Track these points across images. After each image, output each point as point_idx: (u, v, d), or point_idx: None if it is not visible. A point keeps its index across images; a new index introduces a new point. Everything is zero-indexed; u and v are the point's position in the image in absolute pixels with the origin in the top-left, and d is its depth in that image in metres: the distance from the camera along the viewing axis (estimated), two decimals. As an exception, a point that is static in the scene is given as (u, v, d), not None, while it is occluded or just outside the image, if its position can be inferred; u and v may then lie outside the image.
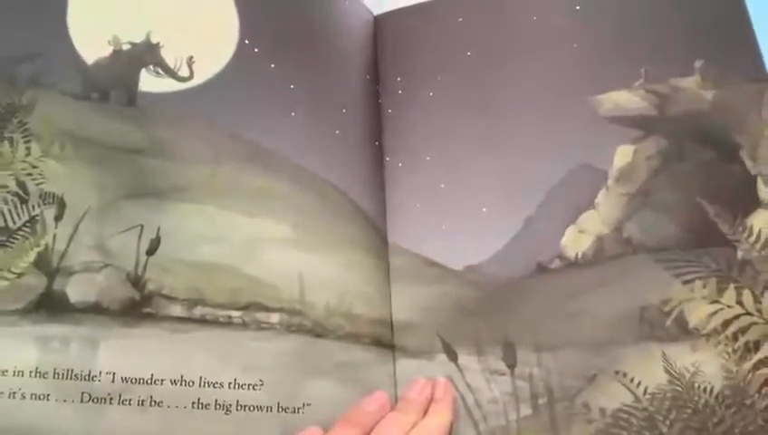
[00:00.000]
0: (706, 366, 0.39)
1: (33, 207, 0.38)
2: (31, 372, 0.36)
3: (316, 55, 0.46)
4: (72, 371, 0.37)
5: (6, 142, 0.39)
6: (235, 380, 0.38)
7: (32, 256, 0.38)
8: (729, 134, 0.43)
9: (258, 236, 0.40)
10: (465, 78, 0.49)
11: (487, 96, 0.48)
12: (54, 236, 0.38)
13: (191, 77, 0.42)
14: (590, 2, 0.48)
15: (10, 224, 0.38)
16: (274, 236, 0.40)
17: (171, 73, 0.41)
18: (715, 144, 0.43)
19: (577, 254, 0.42)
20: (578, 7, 0.48)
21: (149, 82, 0.41)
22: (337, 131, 0.45)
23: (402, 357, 0.41)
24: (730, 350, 0.39)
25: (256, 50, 0.44)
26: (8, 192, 0.38)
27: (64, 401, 0.36)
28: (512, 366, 0.40)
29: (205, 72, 0.42)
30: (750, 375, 0.39)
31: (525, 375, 0.40)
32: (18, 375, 0.36)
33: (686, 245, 0.41)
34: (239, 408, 0.37)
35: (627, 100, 0.45)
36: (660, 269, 0.41)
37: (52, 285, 0.38)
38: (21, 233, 0.38)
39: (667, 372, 0.39)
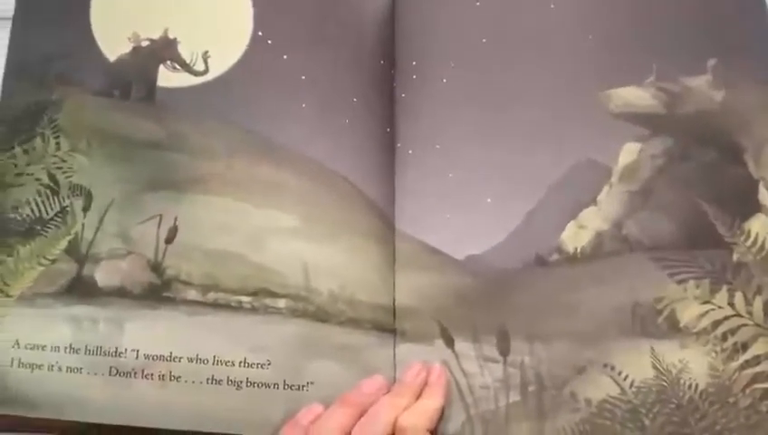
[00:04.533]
0: (693, 364, 0.40)
1: (64, 198, 0.42)
2: (65, 348, 0.41)
3: (329, 44, 0.47)
4: (101, 347, 0.41)
5: (39, 138, 0.42)
6: (245, 359, 0.41)
7: (63, 243, 0.42)
8: (735, 137, 0.43)
9: (267, 226, 0.43)
10: (477, 65, 0.49)
11: (498, 86, 0.48)
12: (83, 226, 0.42)
13: (207, 71, 0.44)
14: None
15: (44, 214, 0.42)
16: (283, 225, 0.43)
17: (187, 68, 0.43)
18: (721, 146, 0.43)
19: (576, 248, 0.43)
20: None
21: (167, 77, 0.44)
22: (347, 120, 0.46)
23: (402, 341, 0.44)
24: (718, 349, 0.40)
25: (270, 42, 0.45)
26: (41, 184, 0.42)
27: (95, 374, 0.41)
28: (505, 354, 0.42)
29: (220, 65, 0.44)
30: (736, 375, 0.40)
31: (517, 363, 0.42)
32: (55, 350, 0.41)
33: (682, 245, 0.42)
34: (248, 384, 0.41)
35: (636, 96, 0.44)
36: (655, 268, 0.42)
37: (82, 271, 0.42)
38: (53, 222, 0.42)
39: (655, 367, 0.40)
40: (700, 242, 0.42)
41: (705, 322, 0.41)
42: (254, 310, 0.42)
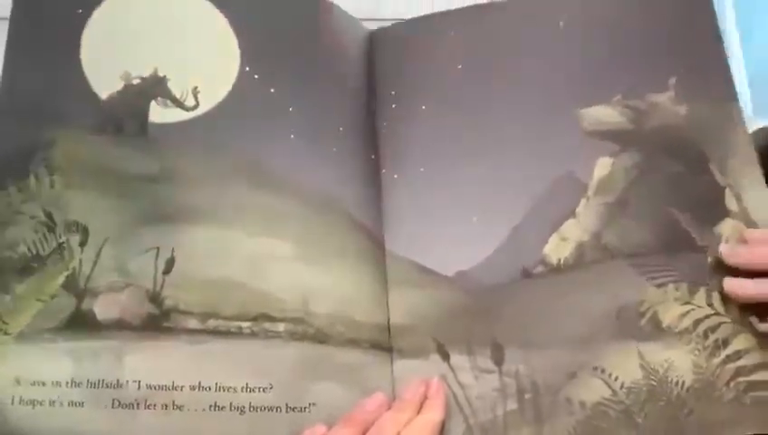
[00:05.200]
0: (678, 362, 0.42)
1: (60, 234, 0.43)
2: (67, 382, 0.41)
3: (313, 77, 0.49)
4: (102, 380, 0.41)
5: (32, 176, 0.43)
6: (247, 384, 0.42)
7: (61, 279, 0.42)
8: (700, 148, 0.46)
9: (263, 252, 0.44)
10: (455, 92, 0.52)
11: (477, 109, 0.50)
12: (80, 261, 0.42)
13: (197, 106, 0.45)
14: (572, 19, 0.50)
15: (41, 251, 0.42)
16: (278, 252, 0.44)
17: (178, 104, 0.45)
18: (688, 157, 0.46)
19: (559, 260, 0.46)
20: (561, 23, 0.50)
21: (158, 112, 0.45)
22: (334, 149, 0.48)
23: (399, 358, 0.45)
24: (701, 347, 0.42)
25: (256, 76, 0.47)
26: (38, 222, 0.42)
27: (97, 407, 0.41)
28: (499, 364, 0.44)
29: (210, 100, 0.46)
30: (719, 370, 0.42)
31: (512, 373, 0.44)
32: (56, 386, 0.41)
33: (659, 251, 0.44)
34: (251, 409, 0.42)
35: (606, 114, 0.47)
36: (636, 274, 0.44)
37: (81, 305, 0.42)
38: (51, 259, 0.42)
39: (643, 368, 0.42)
40: (676, 247, 0.44)
41: (687, 321, 0.43)
42: (253, 335, 0.43)
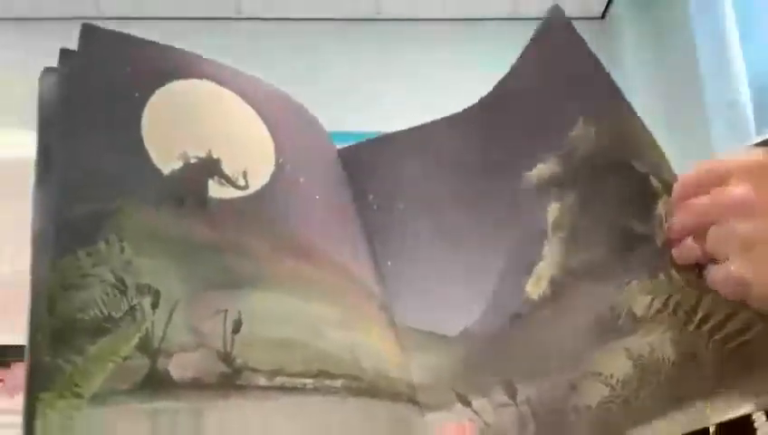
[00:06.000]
0: (658, 343, 0.48)
1: (132, 297, 0.43)
2: (144, 445, 0.40)
3: (327, 171, 0.57)
4: (181, 440, 0.41)
5: (102, 242, 0.44)
6: (312, 438, 0.45)
7: (135, 340, 0.42)
8: (618, 153, 0.55)
9: (317, 316, 0.48)
10: (428, 188, 0.62)
11: (451, 196, 0.61)
12: (153, 323, 0.43)
13: (247, 186, 0.50)
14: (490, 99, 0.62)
15: (113, 313, 0.43)
16: (329, 316, 0.49)
17: (231, 183, 0.49)
18: (611, 167, 0.55)
19: (539, 295, 0.55)
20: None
21: (216, 189, 0.49)
22: (350, 232, 0.55)
23: (428, 411, 0.51)
24: (674, 323, 0.48)
25: (288, 167, 0.53)
26: (108, 285, 0.43)
27: (177, 468, 0.41)
28: (513, 398, 0.51)
29: (256, 182, 0.51)
30: (695, 337, 0.48)
31: (525, 401, 0.51)
32: (133, 449, 0.40)
33: (616, 258, 0.52)
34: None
35: (544, 169, 0.59)
36: (602, 285, 0.52)
37: (156, 365, 0.42)
38: (123, 320, 0.43)
39: (630, 358, 0.49)
40: (628, 247, 0.52)
41: (656, 305, 0.50)
42: (316, 390, 0.46)
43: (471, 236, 0.59)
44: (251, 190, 0.51)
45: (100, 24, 0.50)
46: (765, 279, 0.46)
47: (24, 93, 0.60)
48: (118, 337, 0.42)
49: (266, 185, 0.51)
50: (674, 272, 0.50)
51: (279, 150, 0.54)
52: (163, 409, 0.42)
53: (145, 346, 0.42)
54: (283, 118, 0.56)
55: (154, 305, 0.44)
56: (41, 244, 0.43)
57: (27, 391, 0.40)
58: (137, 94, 0.49)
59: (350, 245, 0.55)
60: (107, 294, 0.43)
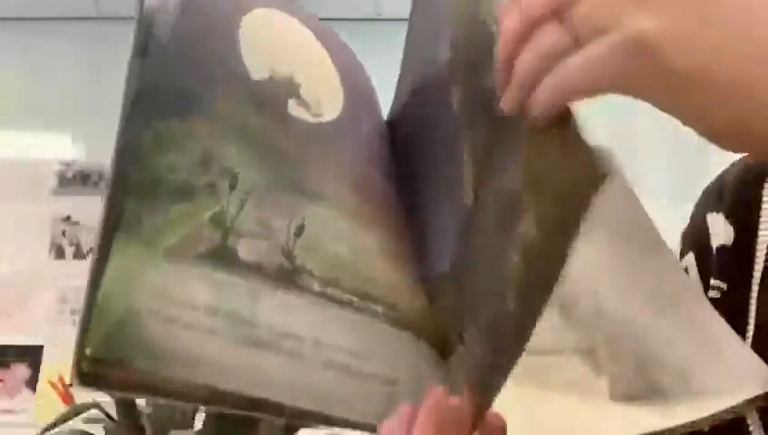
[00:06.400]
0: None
1: (214, 174, 0.44)
2: (205, 308, 0.41)
3: (378, 118, 0.60)
4: (238, 315, 0.41)
5: (198, 117, 0.45)
6: (352, 349, 0.45)
7: (210, 213, 0.43)
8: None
9: (368, 244, 0.50)
10: None
11: None
12: (228, 202, 0.44)
13: (321, 115, 0.52)
14: None
15: (196, 183, 0.43)
16: (377, 247, 0.51)
17: (308, 108, 0.52)
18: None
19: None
20: None
21: (294, 108, 0.51)
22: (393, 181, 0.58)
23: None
24: None
25: (352, 109, 0.56)
26: (197, 157, 0.44)
27: (229, 340, 0.41)
28: None
29: (327, 114, 0.53)
30: None
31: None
32: (194, 309, 0.40)
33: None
34: (354, 374, 0.45)
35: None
36: None
37: (226, 241, 0.43)
38: (204, 192, 0.43)
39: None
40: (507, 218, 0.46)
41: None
42: (360, 310, 0.47)
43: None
44: (323, 119, 0.53)
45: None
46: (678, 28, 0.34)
47: (24, 93, 0.61)
48: (197, 205, 0.43)
49: (334, 120, 0.54)
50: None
51: (346, 91, 0.56)
52: (226, 281, 0.42)
53: (219, 221, 0.43)
54: (346, 61, 0.59)
55: (232, 187, 0.44)
56: (138, 103, 0.43)
57: (102, 234, 0.39)
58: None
59: (394, 191, 0.56)
60: (194, 164, 0.44)
